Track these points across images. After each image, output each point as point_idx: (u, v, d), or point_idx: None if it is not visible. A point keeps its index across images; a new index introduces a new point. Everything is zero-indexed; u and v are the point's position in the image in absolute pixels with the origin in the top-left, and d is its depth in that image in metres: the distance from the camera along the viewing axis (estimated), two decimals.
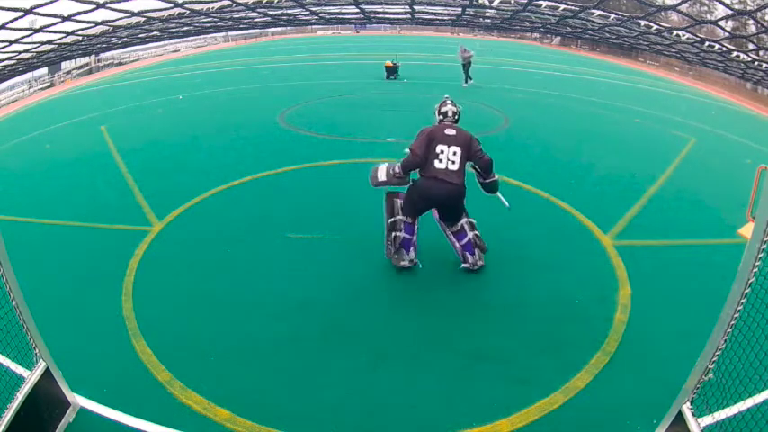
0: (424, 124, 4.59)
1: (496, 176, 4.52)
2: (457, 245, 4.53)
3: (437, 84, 14.28)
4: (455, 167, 4.20)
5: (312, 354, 3.57)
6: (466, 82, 14.33)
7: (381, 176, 4.52)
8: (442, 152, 4.20)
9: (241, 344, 3.67)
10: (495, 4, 3.54)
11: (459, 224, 4.48)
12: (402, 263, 4.46)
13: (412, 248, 4.51)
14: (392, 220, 4.51)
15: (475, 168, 4.50)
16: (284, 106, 11.28)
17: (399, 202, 4.55)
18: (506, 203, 4.62)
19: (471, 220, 4.54)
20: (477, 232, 4.51)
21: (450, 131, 4.24)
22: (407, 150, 4.39)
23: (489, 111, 11.17)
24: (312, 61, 20.14)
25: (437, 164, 4.20)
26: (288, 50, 24.21)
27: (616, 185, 6.91)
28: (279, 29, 26.59)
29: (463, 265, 4.50)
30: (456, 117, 4.39)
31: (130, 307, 4.06)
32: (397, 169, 4.41)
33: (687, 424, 2.50)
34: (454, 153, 4.20)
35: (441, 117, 4.42)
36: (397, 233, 4.45)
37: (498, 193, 4.63)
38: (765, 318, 2.56)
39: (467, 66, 14.22)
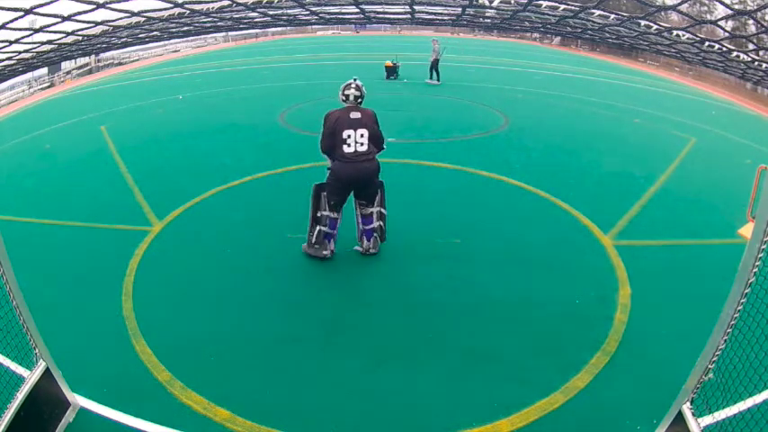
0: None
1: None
2: (360, 227, 4.74)
3: (437, 84, 14.27)
4: (364, 148, 4.38)
5: (312, 354, 3.57)
6: (431, 77, 14.41)
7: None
8: (349, 136, 4.34)
9: (241, 344, 3.67)
10: (495, 4, 3.54)
11: (371, 210, 4.65)
12: (324, 253, 4.67)
13: (332, 240, 4.72)
14: (318, 214, 4.65)
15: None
16: (284, 106, 11.28)
17: (323, 194, 4.64)
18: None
19: (383, 211, 4.74)
20: (382, 224, 4.76)
21: (356, 114, 4.39)
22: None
23: (489, 111, 11.17)
24: (312, 61, 20.14)
25: (345, 148, 4.35)
26: (288, 50, 24.21)
27: (616, 185, 6.91)
28: (279, 29, 26.59)
29: (356, 247, 4.82)
30: (359, 100, 4.49)
31: (130, 307, 4.06)
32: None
33: (687, 424, 2.50)
34: (362, 135, 4.37)
35: (343, 98, 4.51)
36: (322, 227, 4.64)
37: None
38: (765, 318, 2.56)
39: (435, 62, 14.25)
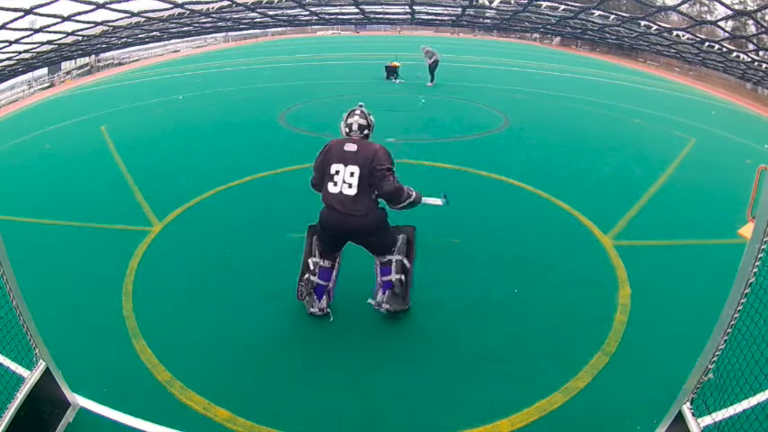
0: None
1: (413, 194, 3.60)
2: (378, 278, 3.82)
3: (437, 84, 14.26)
4: (351, 192, 3.40)
5: (312, 354, 3.57)
6: (432, 80, 14.41)
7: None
8: (337, 173, 3.43)
9: (241, 344, 3.67)
10: (494, 4, 3.54)
11: (389, 258, 3.73)
12: (311, 310, 3.85)
13: (325, 296, 3.84)
14: (309, 260, 3.83)
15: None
16: (284, 106, 11.28)
17: (314, 239, 3.89)
18: (439, 201, 3.87)
19: (406, 264, 3.78)
20: (402, 277, 3.76)
21: (351, 147, 3.43)
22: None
23: (489, 111, 11.17)
24: (312, 61, 20.14)
25: (330, 187, 3.45)
26: (288, 50, 24.20)
27: (616, 185, 6.91)
28: (279, 29, 26.58)
29: (369, 300, 3.85)
30: (365, 132, 3.55)
31: (130, 307, 4.06)
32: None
33: (687, 424, 2.50)
34: (351, 174, 3.40)
35: (346, 130, 3.59)
36: (312, 277, 3.81)
37: (425, 199, 3.79)
38: (765, 318, 2.56)
39: (433, 66, 14.24)
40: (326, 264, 3.79)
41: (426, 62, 14.25)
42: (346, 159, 3.43)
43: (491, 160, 7.69)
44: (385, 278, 3.76)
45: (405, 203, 3.54)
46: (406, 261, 3.75)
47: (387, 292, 3.76)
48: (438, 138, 8.93)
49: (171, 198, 6.16)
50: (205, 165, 7.62)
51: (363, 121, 3.54)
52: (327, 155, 3.51)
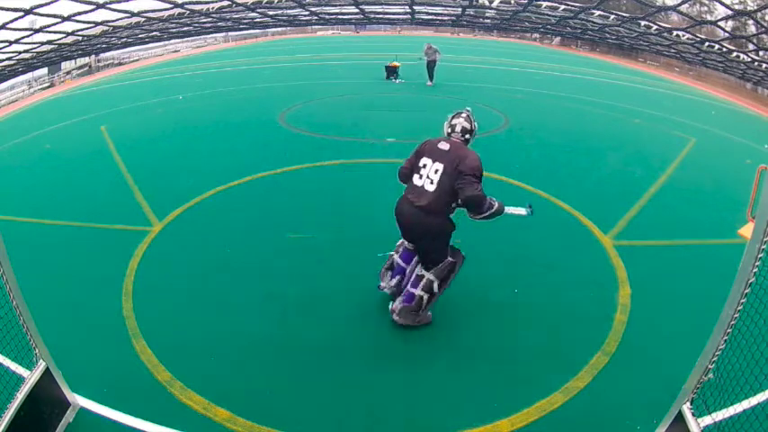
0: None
1: (495, 205, 3.57)
2: (408, 287, 3.78)
3: (437, 84, 14.26)
4: (431, 188, 3.43)
5: (312, 354, 3.57)
6: (431, 79, 14.41)
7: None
8: (425, 166, 3.47)
9: (241, 344, 3.67)
10: (494, 4, 3.54)
11: (423, 274, 3.69)
12: (381, 284, 4.04)
13: (398, 278, 3.89)
14: (400, 241, 3.96)
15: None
16: (284, 106, 11.28)
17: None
18: (523, 211, 3.85)
19: (435, 287, 3.68)
20: (426, 297, 3.68)
21: (444, 146, 3.47)
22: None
23: (489, 111, 11.17)
24: (312, 61, 20.14)
25: (416, 179, 3.51)
26: (288, 50, 24.20)
27: (616, 185, 6.91)
28: (279, 29, 26.58)
29: (392, 313, 3.80)
30: (466, 135, 3.57)
31: (130, 307, 4.06)
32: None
33: (687, 424, 2.50)
34: (435, 171, 3.41)
35: (448, 130, 3.63)
36: (395, 255, 3.97)
37: (507, 209, 3.75)
38: (765, 318, 2.56)
39: (432, 64, 14.23)
40: (410, 246, 3.83)
41: (424, 58, 14.22)
42: (435, 156, 3.46)
43: (491, 160, 7.65)
44: (411, 289, 3.73)
45: (486, 214, 3.52)
46: (436, 286, 3.68)
47: (403, 304, 3.73)
48: None
49: (171, 198, 6.16)
50: (205, 165, 7.62)
51: (467, 125, 3.57)
52: (422, 148, 3.56)
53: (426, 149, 3.52)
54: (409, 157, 3.63)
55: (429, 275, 3.66)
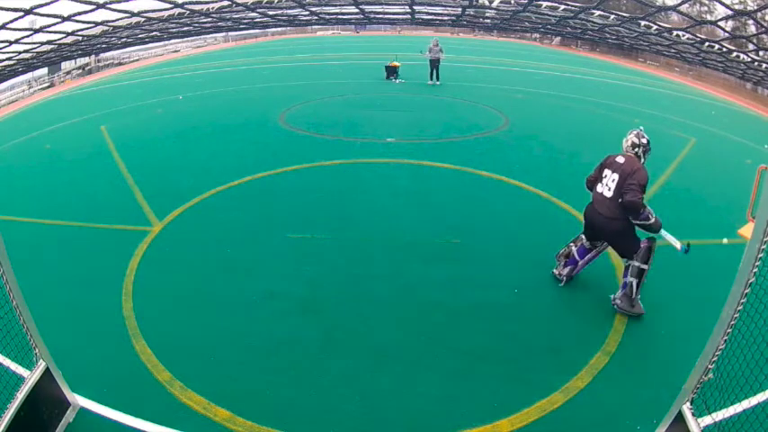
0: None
1: (652, 219, 3.95)
2: (574, 252, 4.42)
3: (437, 84, 14.27)
4: (609, 194, 4.01)
5: (312, 354, 3.58)
6: (431, 78, 14.40)
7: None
8: (605, 176, 4.08)
9: (241, 344, 3.67)
10: (494, 4, 3.54)
11: (629, 263, 4.08)
12: (555, 270, 4.53)
13: (571, 267, 4.43)
14: (581, 234, 4.43)
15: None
16: (284, 106, 11.29)
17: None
18: (677, 245, 3.97)
19: (643, 267, 4.01)
20: (636, 281, 4.01)
21: (620, 159, 4.05)
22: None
23: (489, 111, 11.17)
24: (312, 61, 20.14)
25: (599, 187, 4.12)
26: (288, 50, 24.21)
27: None
28: (279, 29, 26.58)
29: (614, 300, 4.11)
30: (636, 150, 4.03)
31: (130, 307, 4.07)
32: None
33: (687, 424, 2.50)
34: (612, 180, 4.01)
35: (624, 145, 4.15)
36: (573, 247, 4.46)
37: (664, 233, 4.06)
38: (765, 318, 2.56)
39: (436, 62, 14.23)
40: (587, 244, 4.40)
41: (428, 55, 14.22)
42: (613, 167, 4.04)
43: (491, 160, 7.70)
44: (624, 279, 4.13)
45: (641, 221, 3.96)
46: (644, 266, 4.04)
47: (622, 291, 4.12)
48: (438, 138, 8.94)
49: (171, 198, 6.16)
50: (205, 165, 7.62)
51: (636, 140, 4.07)
52: (605, 161, 4.15)
53: (607, 162, 4.11)
54: (595, 169, 4.23)
55: (634, 262, 4.06)
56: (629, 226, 4.03)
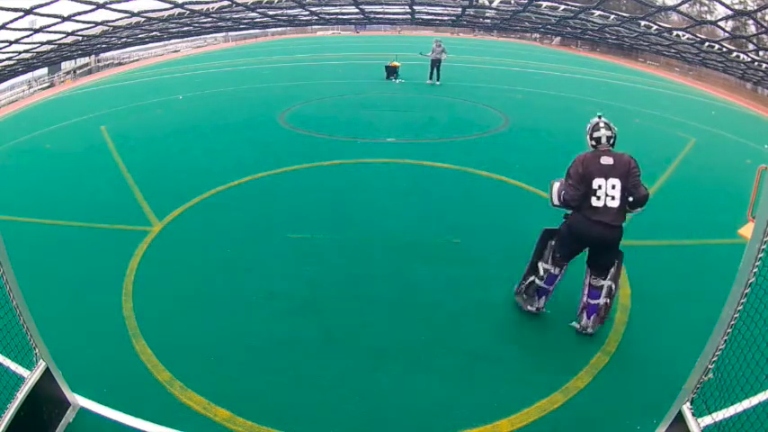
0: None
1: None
2: (584, 300, 3.87)
3: (437, 84, 14.26)
4: (615, 204, 3.53)
5: (312, 354, 3.58)
6: (430, 78, 14.41)
7: (555, 200, 3.86)
8: (600, 187, 3.53)
9: (241, 344, 3.67)
10: (494, 4, 3.54)
11: (603, 283, 3.79)
12: (528, 308, 4.03)
13: (544, 297, 4.02)
14: (537, 263, 3.97)
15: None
16: (284, 106, 11.28)
17: (552, 244, 3.94)
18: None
19: (614, 288, 3.82)
20: (609, 301, 3.83)
21: (608, 160, 3.55)
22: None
23: (489, 111, 11.17)
24: (312, 61, 20.14)
25: (594, 201, 3.55)
26: (288, 50, 24.20)
27: None
28: (279, 29, 26.57)
29: (573, 323, 3.89)
30: (612, 141, 3.63)
31: (130, 307, 4.06)
32: (556, 201, 3.84)
33: (687, 424, 2.50)
34: (613, 187, 3.52)
35: (593, 143, 3.66)
36: (537, 281, 3.96)
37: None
38: (765, 318, 2.56)
39: (437, 63, 14.24)
40: (556, 271, 3.91)
41: (430, 55, 14.22)
42: (606, 173, 3.53)
43: (491, 160, 7.69)
44: (593, 301, 3.81)
45: (638, 211, 3.70)
46: (614, 286, 3.81)
47: (592, 317, 3.82)
48: (438, 138, 8.94)
49: (171, 198, 6.16)
50: (205, 165, 7.62)
51: (609, 133, 3.62)
52: (585, 170, 3.56)
53: (592, 171, 3.54)
54: (571, 183, 3.61)
55: (606, 282, 3.79)
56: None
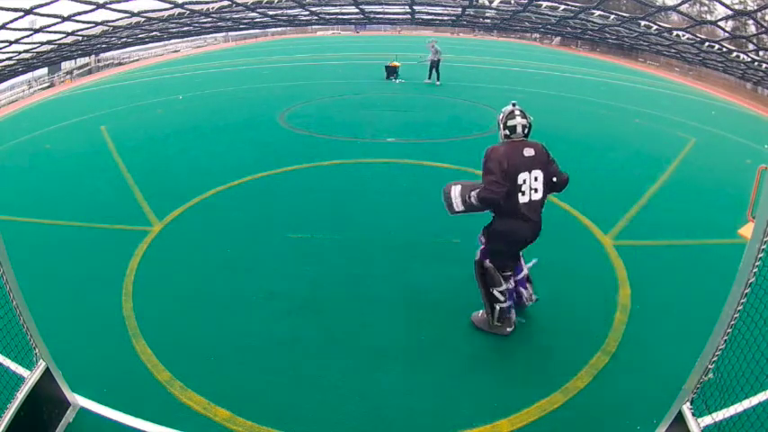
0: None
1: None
2: (517, 277, 3.82)
3: (437, 84, 14.26)
4: (539, 196, 3.39)
5: (312, 354, 3.57)
6: (429, 77, 14.43)
7: (458, 206, 3.62)
8: (525, 181, 3.33)
9: (241, 344, 3.67)
10: (494, 4, 3.54)
11: (519, 263, 3.80)
12: (508, 330, 3.77)
13: (513, 311, 3.84)
14: (492, 291, 3.71)
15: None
16: (284, 106, 11.29)
17: (492, 268, 3.67)
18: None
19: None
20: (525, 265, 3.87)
21: (529, 151, 3.36)
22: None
23: (489, 111, 11.16)
24: (312, 61, 20.15)
25: (520, 197, 3.34)
26: (288, 50, 24.20)
27: (616, 185, 6.91)
28: (279, 29, 26.58)
29: (520, 318, 3.86)
30: (527, 132, 3.45)
31: (130, 307, 4.06)
32: (473, 200, 3.50)
33: (687, 424, 2.50)
34: (536, 179, 3.35)
35: (507, 132, 3.44)
36: (501, 305, 3.71)
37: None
38: (765, 318, 2.56)
39: (436, 63, 14.27)
40: (511, 284, 3.75)
41: (430, 57, 14.26)
42: (528, 166, 3.34)
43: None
44: (519, 275, 3.82)
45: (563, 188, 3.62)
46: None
47: (527, 285, 3.87)
48: (438, 138, 8.93)
49: (171, 198, 6.16)
50: (205, 165, 7.62)
51: (525, 121, 3.41)
52: (507, 164, 3.30)
53: (514, 164, 3.32)
54: (494, 180, 3.30)
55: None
56: None
